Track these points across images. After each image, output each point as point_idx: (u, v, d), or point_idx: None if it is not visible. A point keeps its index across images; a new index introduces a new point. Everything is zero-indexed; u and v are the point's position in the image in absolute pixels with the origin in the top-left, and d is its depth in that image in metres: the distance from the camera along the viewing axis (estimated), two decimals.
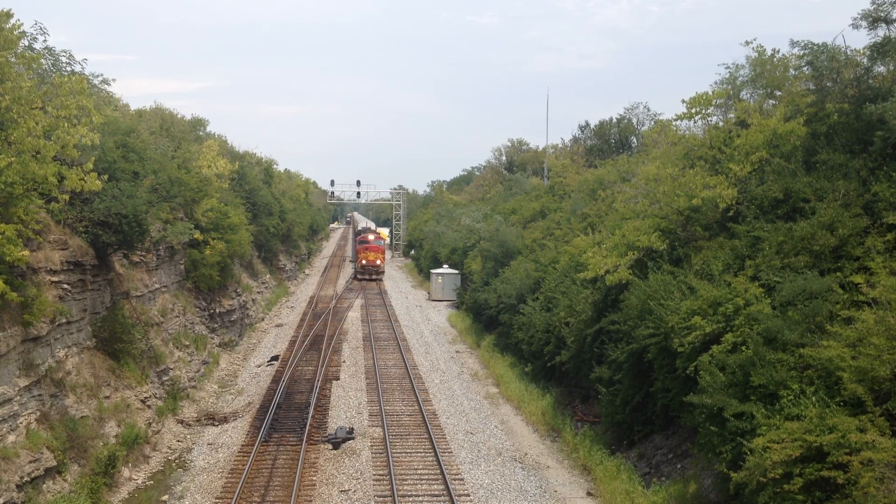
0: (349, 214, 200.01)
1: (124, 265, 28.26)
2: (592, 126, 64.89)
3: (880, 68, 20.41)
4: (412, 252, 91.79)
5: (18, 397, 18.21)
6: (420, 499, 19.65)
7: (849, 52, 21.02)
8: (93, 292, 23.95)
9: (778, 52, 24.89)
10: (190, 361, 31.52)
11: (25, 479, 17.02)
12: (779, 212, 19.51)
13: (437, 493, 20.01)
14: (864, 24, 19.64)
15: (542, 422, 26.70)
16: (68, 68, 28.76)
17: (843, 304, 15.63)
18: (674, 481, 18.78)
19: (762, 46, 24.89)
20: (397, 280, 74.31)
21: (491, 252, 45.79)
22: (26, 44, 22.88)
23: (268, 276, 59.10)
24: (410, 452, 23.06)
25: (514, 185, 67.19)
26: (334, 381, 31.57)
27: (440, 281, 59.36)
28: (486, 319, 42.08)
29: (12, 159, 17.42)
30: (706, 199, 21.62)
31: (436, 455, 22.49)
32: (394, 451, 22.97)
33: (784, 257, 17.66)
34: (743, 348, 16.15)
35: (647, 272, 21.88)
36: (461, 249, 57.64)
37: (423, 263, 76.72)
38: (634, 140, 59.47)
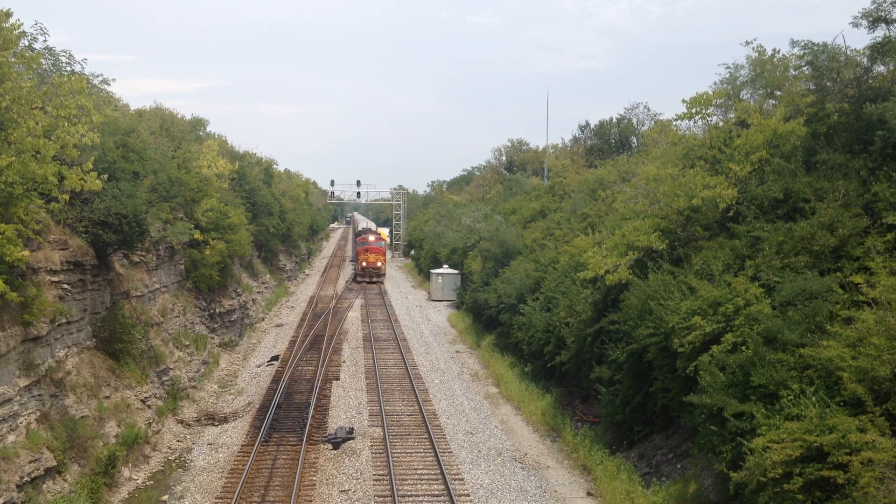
0: (349, 214, 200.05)
1: (124, 265, 28.26)
2: (592, 126, 64.96)
3: (880, 68, 20.42)
4: (412, 252, 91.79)
5: (18, 397, 18.20)
6: (420, 499, 19.65)
7: (849, 52, 21.03)
8: (93, 292, 23.95)
9: (778, 52, 24.95)
10: (190, 361, 31.52)
11: (25, 479, 17.02)
12: (779, 212, 19.51)
13: (437, 493, 20.01)
14: (864, 22, 19.64)
15: (542, 422, 26.70)
16: (68, 68, 28.75)
17: (843, 304, 15.63)
18: (674, 481, 18.78)
19: (762, 46, 24.94)
20: (397, 280, 74.29)
21: (491, 252, 45.81)
22: (26, 44, 22.88)
23: (268, 276, 59.11)
24: (410, 452, 23.06)
25: (514, 186, 67.22)
26: (334, 381, 31.57)
27: (440, 281, 59.36)
28: (486, 319, 42.09)
29: (12, 159, 17.42)
30: (706, 199, 21.63)
31: (436, 455, 22.49)
32: (394, 451, 22.97)
33: (784, 257, 17.66)
34: (743, 348, 16.15)
35: (647, 272, 21.88)
36: (461, 249, 57.66)
37: (423, 263, 76.70)
38: (634, 140, 59.49)
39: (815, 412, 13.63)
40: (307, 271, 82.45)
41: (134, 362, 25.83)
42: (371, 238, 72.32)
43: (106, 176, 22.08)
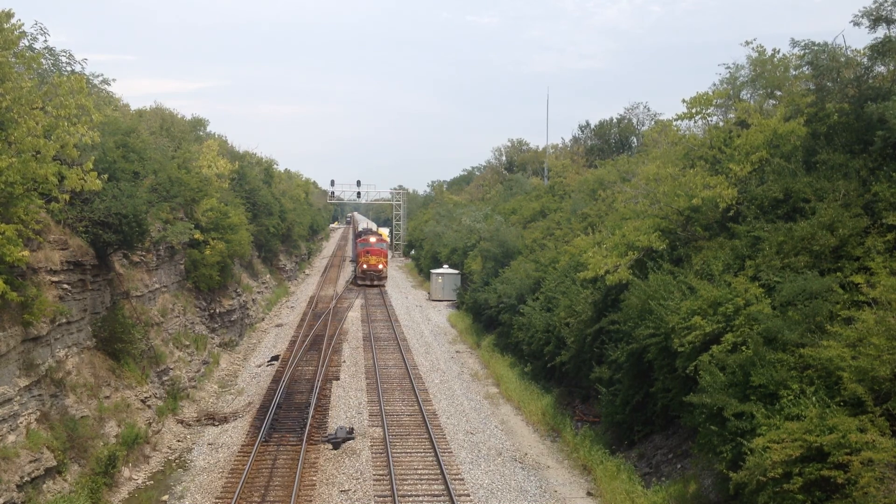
0: (349, 214, 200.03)
1: (124, 265, 28.26)
2: (592, 126, 65.00)
3: (880, 68, 20.40)
4: (412, 252, 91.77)
5: (18, 397, 18.21)
6: (420, 499, 19.65)
7: (849, 52, 21.03)
8: (93, 292, 23.95)
9: (778, 52, 24.94)
10: (190, 361, 31.52)
11: (25, 479, 17.03)
12: (779, 212, 19.51)
13: (437, 493, 20.01)
14: (864, 21, 19.63)
15: (542, 422, 26.70)
16: (68, 68, 28.76)
17: (843, 304, 15.63)
18: (674, 481, 18.78)
19: (762, 46, 24.94)
20: (397, 280, 74.26)
21: (491, 252, 45.81)
22: (26, 44, 22.86)
23: (268, 276, 59.12)
24: (410, 452, 23.06)
25: (515, 185, 67.25)
26: (334, 381, 31.56)
27: (440, 281, 59.35)
28: (486, 319, 42.09)
29: (12, 159, 17.43)
30: (706, 199, 21.62)
31: (436, 455, 22.49)
32: (394, 451, 22.97)
33: (784, 257, 17.66)
34: (743, 348, 16.14)
35: (647, 272, 21.88)
36: (461, 249, 57.67)
37: (423, 263, 76.66)
38: (634, 140, 59.52)
39: (815, 412, 13.63)
40: (307, 271, 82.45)
41: (134, 362, 25.83)
42: (372, 239, 68.92)
43: (106, 176, 22.07)
